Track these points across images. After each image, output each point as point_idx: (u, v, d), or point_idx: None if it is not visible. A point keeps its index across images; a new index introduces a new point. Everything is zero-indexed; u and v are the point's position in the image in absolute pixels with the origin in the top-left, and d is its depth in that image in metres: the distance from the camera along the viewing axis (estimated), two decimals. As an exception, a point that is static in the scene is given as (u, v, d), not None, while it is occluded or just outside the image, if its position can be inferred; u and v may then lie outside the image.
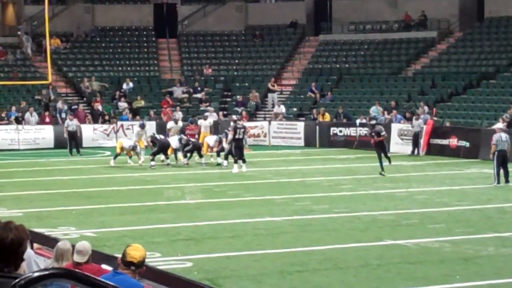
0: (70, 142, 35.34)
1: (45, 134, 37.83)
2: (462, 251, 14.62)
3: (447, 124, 36.00)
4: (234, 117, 32.57)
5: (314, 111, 40.61)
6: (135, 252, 7.08)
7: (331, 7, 50.92)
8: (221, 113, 41.07)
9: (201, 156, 30.35)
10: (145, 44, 49.87)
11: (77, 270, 4.02)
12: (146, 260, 7.32)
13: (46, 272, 3.91)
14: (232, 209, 19.56)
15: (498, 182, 24.01)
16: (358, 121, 37.94)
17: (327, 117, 39.69)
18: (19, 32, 47.56)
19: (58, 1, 49.78)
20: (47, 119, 39.01)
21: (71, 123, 36.03)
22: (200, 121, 34.76)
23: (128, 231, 16.59)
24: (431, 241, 15.48)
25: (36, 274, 3.84)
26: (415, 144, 34.37)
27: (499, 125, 25.85)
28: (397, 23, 48.39)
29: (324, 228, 17.11)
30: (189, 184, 24.59)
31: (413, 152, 34.23)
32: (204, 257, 14.10)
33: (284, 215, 18.66)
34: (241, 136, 28.78)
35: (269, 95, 44.70)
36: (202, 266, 13.41)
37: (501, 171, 24.20)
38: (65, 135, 35.77)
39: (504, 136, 24.43)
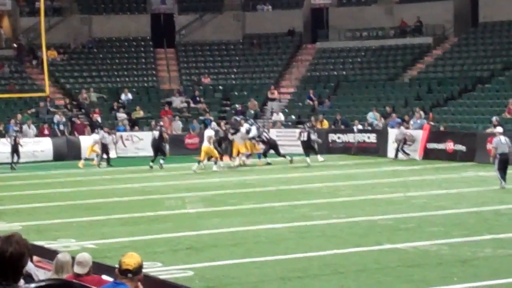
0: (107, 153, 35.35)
1: (44, 146, 37.89)
2: (459, 254, 14.78)
3: (441, 128, 36.24)
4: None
5: (313, 118, 40.77)
6: (130, 259, 7.12)
7: (327, 14, 51.13)
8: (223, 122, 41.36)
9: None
10: (143, 55, 50.05)
11: (74, 281, 4.11)
12: (148, 270, 7.41)
13: (43, 284, 3.98)
14: (232, 217, 19.70)
15: (505, 181, 24.05)
16: (356, 128, 38.14)
17: (326, 124, 39.85)
18: (14, 44, 47.74)
19: (54, 13, 49.90)
20: (46, 131, 39.14)
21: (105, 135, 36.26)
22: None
23: (129, 241, 16.71)
24: (429, 244, 15.64)
25: (33, 286, 3.91)
26: (401, 148, 35.01)
27: (499, 129, 26.09)
28: (393, 30, 48.62)
29: (323, 234, 17.26)
30: (189, 194, 24.73)
31: (396, 156, 35.04)
32: (206, 265, 14.23)
33: (284, 222, 18.80)
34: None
35: (269, 103, 44.86)
36: (204, 274, 13.55)
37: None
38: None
39: (503, 139, 24.61)
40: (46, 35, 33.07)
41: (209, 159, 32.04)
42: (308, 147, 33.98)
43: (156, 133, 34.22)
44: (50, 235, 17.48)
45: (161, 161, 33.00)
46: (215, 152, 32.08)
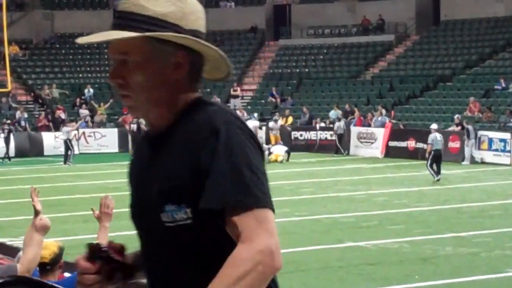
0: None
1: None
2: (420, 251, 14.95)
3: (401, 126, 36.59)
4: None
5: (277, 115, 40.77)
6: (44, 251, 6.60)
7: (290, 11, 51.30)
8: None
9: None
10: (106, 50, 49.78)
11: (30, 276, 4.11)
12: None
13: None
14: (194, 215, 19.69)
15: (438, 175, 25.36)
16: (318, 125, 38.36)
17: (290, 120, 40.04)
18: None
19: (16, 8, 49.52)
20: (8, 127, 38.78)
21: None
22: (271, 124, 36.31)
23: (91, 239, 16.50)
24: (391, 242, 15.78)
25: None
26: (339, 144, 36.22)
27: (434, 126, 27.20)
28: (355, 27, 48.90)
29: (285, 232, 17.29)
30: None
31: (336, 152, 35.90)
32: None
33: (246, 219, 18.83)
34: None
35: (232, 100, 44.89)
36: (166, 271, 13.55)
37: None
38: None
39: (438, 136, 25.91)
40: (8, 30, 32.87)
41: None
42: None
43: (134, 126, 35.00)
44: (12, 232, 17.36)
45: None
46: None
